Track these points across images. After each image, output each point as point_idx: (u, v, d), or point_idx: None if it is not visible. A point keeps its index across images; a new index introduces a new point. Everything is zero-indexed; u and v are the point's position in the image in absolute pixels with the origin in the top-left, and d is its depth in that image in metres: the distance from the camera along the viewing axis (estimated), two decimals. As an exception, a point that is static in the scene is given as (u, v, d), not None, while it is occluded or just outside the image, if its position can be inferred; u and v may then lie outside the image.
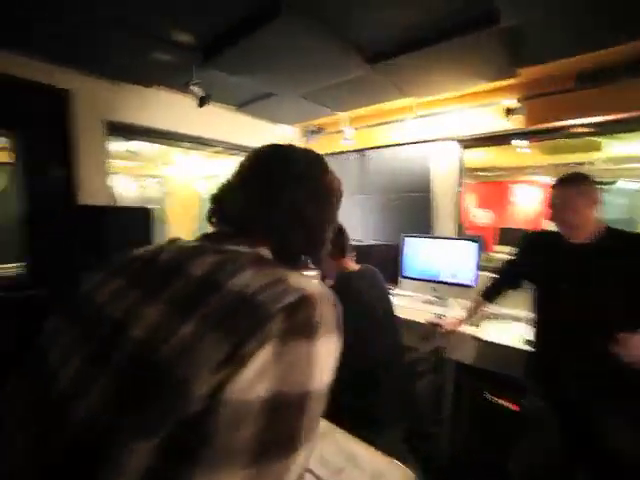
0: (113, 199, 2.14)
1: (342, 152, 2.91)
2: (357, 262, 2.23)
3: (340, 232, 1.54)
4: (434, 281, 2.23)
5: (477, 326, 1.81)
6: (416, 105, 2.34)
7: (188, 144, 2.97)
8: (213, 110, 2.44)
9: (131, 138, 2.37)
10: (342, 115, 2.56)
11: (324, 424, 1.01)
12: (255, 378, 0.37)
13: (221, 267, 0.47)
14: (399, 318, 1.94)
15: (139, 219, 1.87)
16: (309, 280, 0.48)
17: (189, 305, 0.43)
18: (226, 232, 0.59)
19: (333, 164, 2.67)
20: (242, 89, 2.13)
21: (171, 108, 2.22)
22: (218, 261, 0.48)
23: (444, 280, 2.18)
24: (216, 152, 3.58)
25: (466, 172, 2.58)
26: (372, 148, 2.77)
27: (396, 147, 2.66)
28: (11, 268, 1.84)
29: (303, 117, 2.72)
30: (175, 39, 1.49)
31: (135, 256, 0.58)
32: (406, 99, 2.24)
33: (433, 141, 2.47)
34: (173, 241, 0.59)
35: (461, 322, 1.75)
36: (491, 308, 1.91)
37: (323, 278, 1.74)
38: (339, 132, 2.67)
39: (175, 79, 1.89)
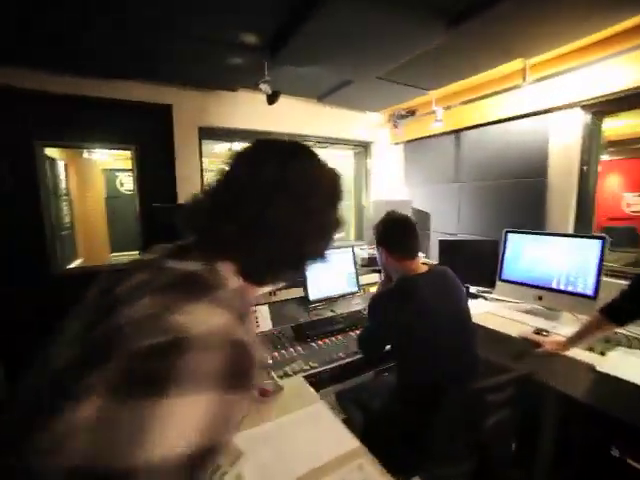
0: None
1: (434, 136, 2.59)
2: (446, 259, 1.99)
3: (405, 231, 1.37)
4: (541, 287, 1.79)
5: (602, 354, 1.37)
6: (530, 67, 1.89)
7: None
8: (297, 105, 2.49)
9: (223, 140, 2.62)
10: (433, 94, 2.26)
11: (353, 443, 0.92)
12: (64, 439, 0.30)
13: (135, 289, 0.43)
14: (486, 328, 1.64)
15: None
16: (213, 316, 0.39)
17: (83, 332, 0.40)
18: (189, 244, 0.53)
19: (425, 150, 2.40)
20: (319, 80, 2.10)
21: (256, 108, 2.34)
22: (140, 281, 0.44)
23: (555, 287, 1.73)
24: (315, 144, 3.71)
25: (609, 146, 1.97)
26: (469, 128, 2.37)
27: (499, 124, 2.22)
28: (135, 255, 2.28)
29: (389, 101, 2.52)
30: (243, 41, 1.54)
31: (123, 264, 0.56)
32: (512, 63, 1.83)
33: (549, 111, 1.96)
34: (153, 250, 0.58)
35: (569, 343, 1.36)
36: (628, 331, 1.43)
37: (389, 280, 1.59)
38: (432, 113, 2.38)
39: (253, 80, 1.98)
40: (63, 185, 3.23)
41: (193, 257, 0.49)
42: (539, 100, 1.96)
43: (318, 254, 0.59)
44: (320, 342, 1.66)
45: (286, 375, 1.36)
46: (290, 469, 0.87)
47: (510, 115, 2.14)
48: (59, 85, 1.80)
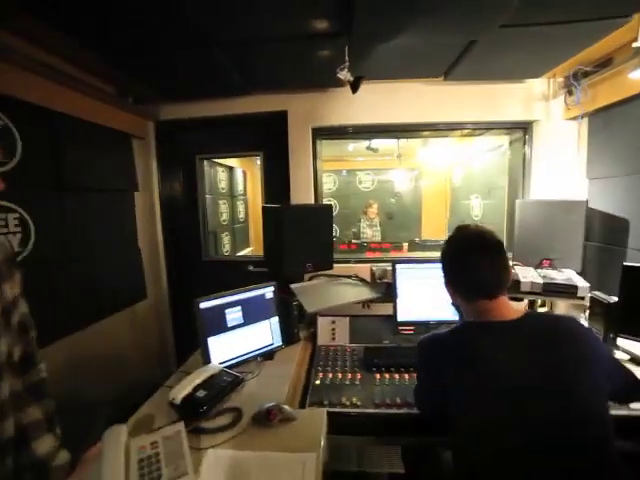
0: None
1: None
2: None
3: (476, 257, 0.89)
4: None
5: None
6: None
7: (427, 132, 2.80)
8: (421, 89, 2.12)
9: (342, 138, 2.54)
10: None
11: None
12: None
13: None
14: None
15: (325, 214, 1.99)
16: None
17: None
18: None
19: (626, 121, 2.03)
20: (432, 52, 1.69)
21: (370, 100, 2.15)
22: None
23: None
24: (464, 135, 3.13)
25: None
26: None
27: None
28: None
29: (554, 55, 1.73)
30: (318, 30, 1.42)
31: None
32: None
33: None
34: None
35: None
36: None
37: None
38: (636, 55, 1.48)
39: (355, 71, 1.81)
40: (240, 188, 4.05)
41: None
42: None
43: None
44: (386, 375, 1.35)
45: (319, 404, 1.18)
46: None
47: None
48: (205, 110, 2.24)
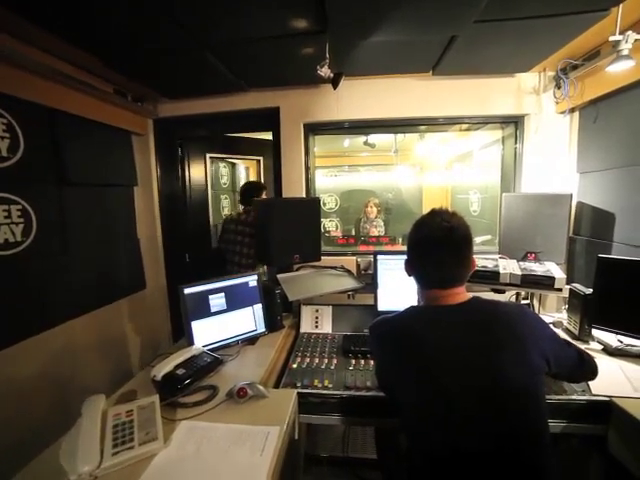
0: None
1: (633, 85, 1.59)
2: (606, 287, 1.45)
3: (434, 248, 0.89)
4: None
5: None
6: None
7: (422, 127, 2.82)
8: (411, 84, 2.15)
9: (333, 133, 2.56)
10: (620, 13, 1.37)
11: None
12: None
13: None
14: None
15: (312, 207, 2.04)
16: None
17: None
18: None
19: (614, 113, 1.96)
20: (415, 48, 1.72)
21: (361, 96, 2.19)
22: None
23: None
24: (460, 130, 3.12)
25: None
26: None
27: None
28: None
29: (539, 49, 1.73)
30: (297, 28, 1.47)
31: None
32: None
33: None
34: None
35: None
36: None
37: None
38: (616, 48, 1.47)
39: (342, 67, 1.84)
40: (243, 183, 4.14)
41: None
42: None
43: None
44: (361, 361, 1.41)
45: (292, 386, 1.25)
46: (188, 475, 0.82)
47: None
48: (202, 107, 2.32)
